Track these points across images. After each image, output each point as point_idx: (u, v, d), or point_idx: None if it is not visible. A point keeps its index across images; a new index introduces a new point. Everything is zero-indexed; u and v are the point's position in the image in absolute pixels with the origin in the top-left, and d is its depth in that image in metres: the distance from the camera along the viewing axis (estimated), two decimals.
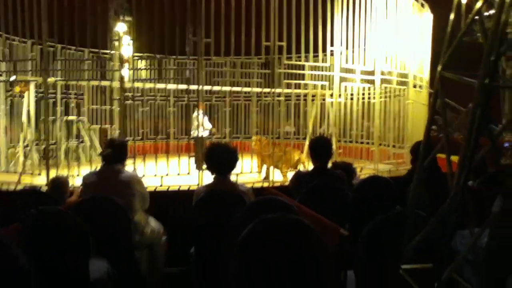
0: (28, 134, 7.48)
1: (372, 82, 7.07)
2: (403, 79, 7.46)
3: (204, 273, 2.99)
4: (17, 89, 7.93)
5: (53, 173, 5.43)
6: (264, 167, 6.42)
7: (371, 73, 6.98)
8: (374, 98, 7.36)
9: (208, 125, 7.86)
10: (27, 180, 5.72)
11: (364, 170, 6.43)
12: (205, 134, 7.61)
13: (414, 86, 7.81)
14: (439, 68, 1.86)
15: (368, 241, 2.17)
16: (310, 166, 4.88)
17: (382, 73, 6.99)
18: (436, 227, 1.78)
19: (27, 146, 7.34)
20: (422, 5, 7.99)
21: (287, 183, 5.31)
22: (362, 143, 8.76)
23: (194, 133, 7.66)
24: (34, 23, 5.52)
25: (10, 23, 5.67)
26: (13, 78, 6.89)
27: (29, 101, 7.61)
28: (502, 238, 1.97)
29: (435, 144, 1.98)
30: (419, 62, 7.93)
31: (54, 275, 2.42)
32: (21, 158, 7.26)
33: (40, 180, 5.60)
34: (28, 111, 7.63)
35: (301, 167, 6.30)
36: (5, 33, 5.98)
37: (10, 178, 5.78)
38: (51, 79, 6.19)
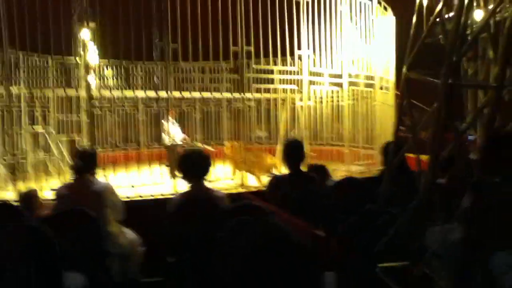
0: None
1: (340, 85, 7.18)
2: (370, 81, 7.61)
3: (182, 281, 2.97)
4: None
5: (21, 187, 5.27)
6: (238, 172, 6.43)
7: (339, 76, 7.10)
8: (342, 100, 7.49)
9: (179, 135, 7.74)
10: None
11: (337, 172, 6.51)
12: (178, 141, 7.53)
13: (381, 88, 7.99)
14: (404, 69, 1.92)
15: (343, 240, 2.21)
16: (283, 170, 4.92)
17: (350, 76, 7.12)
18: (408, 225, 1.83)
19: None
20: (385, 8, 8.19)
21: (263, 188, 5.34)
22: (333, 145, 8.88)
23: (165, 140, 7.56)
24: None
25: None
26: None
27: None
28: (471, 233, 2.05)
29: (404, 144, 2.04)
30: (384, 64, 8.12)
31: None
32: None
33: (9, 195, 5.43)
34: None
35: (274, 171, 6.34)
36: None
37: None
38: (14, 88, 6.02)
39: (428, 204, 1.70)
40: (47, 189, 5.25)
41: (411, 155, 4.29)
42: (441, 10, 1.79)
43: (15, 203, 3.83)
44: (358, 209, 2.30)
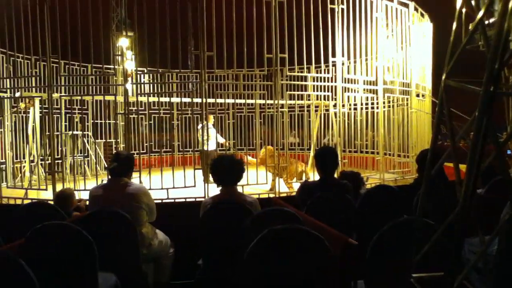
0: (33, 149, 7.53)
1: (375, 92, 7.09)
2: (406, 88, 7.48)
3: (212, 284, 2.98)
4: (22, 105, 8.02)
5: (59, 188, 5.45)
6: (270, 176, 6.42)
7: (374, 83, 7.01)
8: (377, 107, 7.38)
9: (220, 139, 7.87)
10: (33, 195, 5.74)
11: (370, 179, 6.42)
12: (213, 147, 7.61)
13: (417, 95, 7.84)
14: (443, 76, 1.88)
15: (377, 250, 2.17)
16: (315, 177, 4.88)
17: (385, 83, 7.02)
18: (445, 236, 1.78)
19: (32, 161, 7.38)
20: (422, 14, 8.04)
21: (293, 194, 5.32)
22: (367, 152, 8.77)
23: (201, 145, 7.64)
24: (37, 40, 5.58)
25: (13, 40, 5.74)
26: (18, 94, 6.96)
27: (34, 117, 7.68)
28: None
29: (441, 153, 1.98)
30: (421, 71, 7.97)
31: None
32: (27, 173, 7.30)
33: (46, 195, 5.62)
34: (33, 127, 7.69)
35: (304, 178, 6.31)
36: (8, 51, 6.04)
37: (16, 193, 5.81)
38: (55, 95, 6.24)
39: (466, 215, 1.65)
40: (84, 190, 5.41)
41: (449, 164, 4.20)
42: (482, 16, 1.74)
43: (53, 203, 3.97)
44: (391, 217, 2.25)
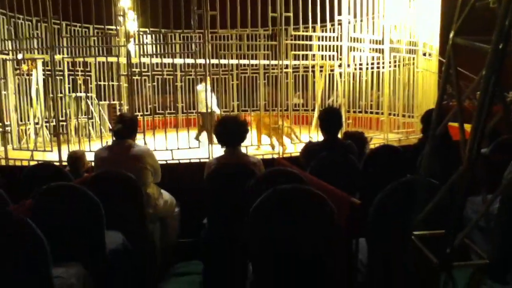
0: (37, 112, 7.54)
1: (381, 51, 6.97)
2: (413, 47, 7.35)
3: (217, 243, 3.04)
4: (24, 67, 7.96)
5: (64, 149, 5.49)
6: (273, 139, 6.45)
7: (380, 42, 6.88)
8: (383, 67, 7.28)
9: (215, 107, 7.79)
10: (39, 157, 5.79)
11: (374, 139, 6.42)
12: (214, 108, 7.59)
13: (424, 54, 7.71)
14: (451, 34, 1.83)
15: (379, 209, 2.19)
16: (319, 138, 4.89)
17: (391, 42, 6.89)
18: (448, 194, 1.78)
19: (37, 123, 7.40)
20: None
21: (295, 154, 5.34)
22: (371, 113, 8.72)
23: (200, 107, 7.67)
24: (38, 1, 5.48)
25: (14, 1, 5.64)
26: (20, 56, 6.90)
27: (37, 79, 7.64)
28: None
29: (447, 113, 1.96)
30: (428, 29, 7.79)
31: (71, 248, 2.48)
32: (32, 135, 7.35)
33: (52, 156, 5.67)
34: (37, 89, 7.67)
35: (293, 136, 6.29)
36: (9, 12, 5.94)
37: (22, 155, 5.86)
38: (57, 57, 6.18)
39: (470, 175, 1.64)
40: (89, 152, 5.45)
41: (454, 124, 4.18)
42: None
43: (58, 164, 4.01)
44: (395, 177, 2.26)
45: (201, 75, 9.30)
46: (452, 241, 1.62)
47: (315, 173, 3.12)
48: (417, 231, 1.90)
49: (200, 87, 7.76)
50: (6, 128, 6.49)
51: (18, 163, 5.60)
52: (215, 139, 3.40)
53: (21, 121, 7.76)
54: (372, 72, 8.05)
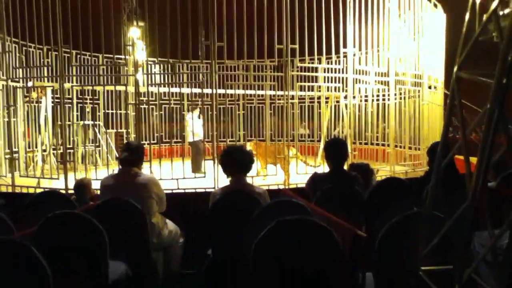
0: (45, 139, 7.61)
1: (386, 83, 7.03)
2: (418, 80, 7.41)
3: (221, 274, 3.01)
4: (34, 95, 8.08)
5: (70, 177, 5.51)
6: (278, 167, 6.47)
7: (385, 74, 6.95)
8: (388, 99, 7.33)
9: (200, 131, 8.14)
10: (46, 184, 5.81)
11: (380, 171, 6.40)
12: (200, 137, 7.95)
13: (429, 87, 7.76)
14: (455, 68, 1.85)
15: (386, 242, 2.17)
16: (325, 169, 4.88)
17: (396, 74, 6.96)
18: (454, 229, 1.77)
19: (44, 150, 7.46)
20: (435, 5, 7.94)
21: (301, 185, 5.32)
22: (377, 144, 8.72)
23: (188, 136, 8.02)
24: (49, 30, 5.62)
25: (26, 30, 5.79)
26: (30, 84, 7.02)
27: (46, 107, 7.75)
28: None
29: (452, 145, 1.97)
30: (433, 62, 7.88)
31: (73, 276, 2.46)
32: (40, 163, 7.39)
33: (58, 184, 5.69)
34: (46, 116, 7.77)
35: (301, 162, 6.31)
36: (21, 40, 6.10)
37: (29, 182, 5.89)
38: (67, 85, 6.28)
39: (476, 208, 1.63)
40: (96, 180, 5.47)
41: (460, 157, 4.17)
42: (496, 6, 1.71)
43: (64, 192, 4.02)
44: (401, 210, 2.24)
45: (208, 104, 9.39)
46: (460, 276, 1.60)
47: (320, 204, 3.10)
48: (424, 265, 1.87)
49: (188, 116, 7.97)
50: (14, 155, 6.54)
51: (24, 190, 5.62)
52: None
53: (28, 148, 7.83)
54: (378, 104, 8.10)
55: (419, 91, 7.56)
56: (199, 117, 8.28)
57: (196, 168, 7.25)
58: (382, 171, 6.58)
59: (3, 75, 6.62)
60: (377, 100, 8.15)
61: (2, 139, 7.21)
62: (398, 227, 2.19)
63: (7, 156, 6.81)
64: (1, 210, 3.04)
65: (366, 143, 8.70)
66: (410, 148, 7.73)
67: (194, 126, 7.02)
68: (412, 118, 7.66)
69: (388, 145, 7.36)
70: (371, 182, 4.15)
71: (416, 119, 7.65)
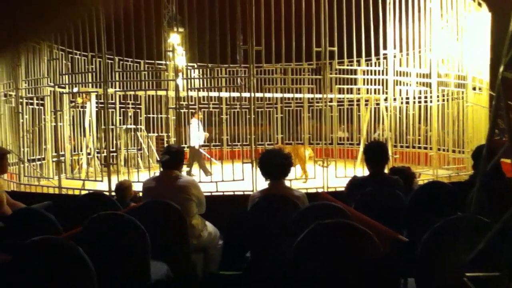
0: (90, 142, 7.89)
1: (428, 85, 6.86)
2: (461, 81, 7.18)
3: (260, 276, 3.01)
4: (79, 100, 8.40)
5: (114, 179, 5.68)
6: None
7: (427, 75, 6.78)
8: (431, 101, 7.14)
9: (201, 135, 8.45)
10: (90, 186, 6.02)
11: (422, 175, 6.24)
12: (200, 143, 8.22)
13: (474, 88, 7.50)
14: (501, 68, 1.79)
15: (428, 248, 2.11)
16: (364, 172, 4.81)
17: (439, 76, 6.77)
18: (500, 234, 1.71)
19: (89, 154, 7.73)
20: (479, 4, 7.67)
21: (340, 188, 5.26)
22: (419, 148, 8.50)
23: (190, 141, 8.28)
24: (93, 38, 5.83)
25: (71, 39, 6.03)
26: (75, 90, 7.30)
27: (90, 111, 8.03)
28: None
29: (498, 148, 1.90)
30: (477, 63, 7.61)
31: (116, 276, 2.53)
32: (84, 165, 7.66)
33: (102, 186, 5.88)
34: (90, 121, 8.05)
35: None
36: (67, 48, 6.36)
37: (74, 184, 6.11)
38: (110, 90, 6.49)
39: None
40: (137, 181, 5.61)
41: (507, 160, 4.00)
42: None
43: (108, 194, 4.15)
44: (444, 215, 2.18)
45: (246, 108, 9.46)
46: (508, 283, 1.54)
47: (360, 208, 3.05)
48: (469, 271, 1.81)
49: (194, 122, 8.29)
50: (61, 158, 6.82)
51: (70, 192, 5.84)
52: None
53: (74, 151, 8.13)
54: (420, 106, 7.90)
55: (463, 92, 7.32)
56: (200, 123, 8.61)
57: (207, 171, 7.57)
58: (425, 175, 6.41)
59: (50, 82, 6.92)
60: (419, 102, 7.95)
61: (50, 142, 7.53)
62: (441, 232, 2.13)
63: (54, 159, 7.10)
64: (49, 211, 3.16)
65: (407, 146, 8.51)
66: (453, 151, 7.49)
67: (197, 132, 7.21)
68: (456, 121, 7.42)
69: (431, 148, 7.16)
70: (413, 186, 4.05)
71: (460, 122, 7.41)
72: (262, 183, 3.61)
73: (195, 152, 8.01)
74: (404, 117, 7.41)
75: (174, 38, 8.01)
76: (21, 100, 6.98)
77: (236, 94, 7.74)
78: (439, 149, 7.20)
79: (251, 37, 5.60)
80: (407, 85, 6.82)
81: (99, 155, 7.45)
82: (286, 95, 8.10)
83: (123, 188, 4.25)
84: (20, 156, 6.92)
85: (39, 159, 7.59)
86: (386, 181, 3.56)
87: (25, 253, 2.06)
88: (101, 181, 5.92)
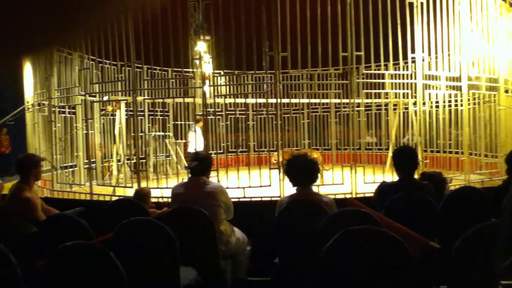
0: (120, 150, 8.05)
1: (458, 88, 6.71)
2: (493, 84, 6.99)
3: (288, 283, 3.00)
4: (109, 108, 8.59)
5: (143, 186, 5.78)
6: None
7: (457, 79, 6.63)
8: (461, 105, 6.98)
9: (200, 144, 8.33)
10: (120, 192, 6.13)
11: (454, 181, 6.09)
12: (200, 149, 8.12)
13: (506, 91, 7.29)
14: None
15: (461, 254, 2.06)
16: (394, 178, 4.73)
17: (469, 79, 6.61)
18: None
19: (119, 160, 7.88)
20: (511, 4, 7.46)
21: (368, 194, 5.19)
22: (450, 152, 8.30)
23: (190, 148, 8.27)
24: (122, 47, 5.96)
25: (102, 48, 6.18)
26: (105, 98, 7.47)
27: (120, 119, 8.20)
28: None
29: None
30: (510, 65, 7.40)
31: (146, 281, 2.57)
32: (115, 172, 7.81)
33: (132, 192, 5.97)
34: (120, 128, 8.22)
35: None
36: (97, 57, 6.53)
37: (105, 190, 6.24)
38: (139, 98, 6.61)
39: None
40: (165, 188, 5.69)
41: None
42: None
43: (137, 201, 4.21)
44: (477, 221, 2.13)
45: (272, 114, 9.47)
46: None
47: (389, 215, 3.01)
48: (504, 279, 1.76)
49: (197, 130, 8.31)
50: (92, 165, 6.97)
51: (101, 198, 5.97)
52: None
53: (104, 158, 8.31)
54: (450, 110, 7.73)
55: (495, 95, 7.13)
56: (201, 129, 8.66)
57: None
58: (456, 180, 6.26)
59: (82, 91, 7.10)
60: (449, 106, 7.78)
61: (81, 150, 7.72)
62: (474, 239, 2.08)
63: (86, 166, 7.27)
64: (81, 217, 3.25)
65: (438, 151, 8.32)
66: (486, 156, 7.29)
67: (198, 139, 7.27)
68: (488, 124, 7.23)
69: (462, 153, 6.99)
70: (445, 192, 3.96)
71: (492, 125, 7.21)
72: (290, 189, 3.61)
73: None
74: (434, 121, 7.24)
75: (201, 46, 8.10)
76: (53, 109, 7.19)
77: (262, 100, 7.76)
78: (470, 154, 7.02)
79: (277, 43, 5.61)
80: (436, 88, 6.69)
81: (128, 162, 7.60)
82: (313, 100, 8.09)
83: (142, 195, 4.30)
84: (53, 163, 7.12)
85: (71, 166, 7.78)
86: (416, 187, 3.50)
87: (58, 257, 2.12)
88: (131, 187, 6.02)
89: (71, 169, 7.83)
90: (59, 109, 7.41)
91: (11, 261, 2.05)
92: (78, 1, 0.86)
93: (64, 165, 7.49)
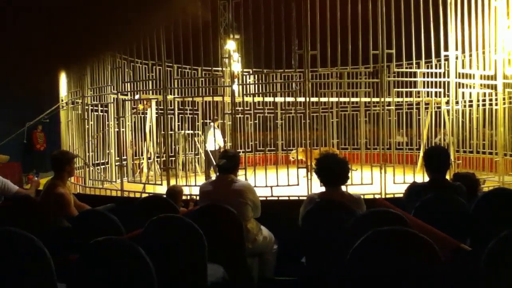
0: (150, 147, 8.19)
1: (493, 87, 6.51)
2: None
3: (315, 283, 2.99)
4: (140, 106, 8.75)
5: (172, 183, 5.86)
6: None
7: (492, 77, 6.44)
8: (496, 104, 6.78)
9: (220, 140, 8.70)
10: (150, 189, 6.24)
11: (487, 182, 5.93)
12: (214, 147, 8.32)
13: None
14: None
15: (494, 258, 2.00)
16: (425, 179, 4.64)
17: (505, 77, 6.41)
18: None
19: (149, 158, 8.03)
20: None
21: (398, 195, 5.11)
22: (484, 153, 8.07)
23: (207, 145, 8.45)
24: (154, 46, 6.06)
25: (134, 47, 6.30)
26: (137, 97, 7.62)
27: (151, 117, 8.34)
28: None
29: None
30: None
31: (174, 276, 2.61)
32: (145, 169, 7.96)
33: (162, 189, 6.07)
34: (150, 126, 8.37)
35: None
36: (129, 57, 6.66)
37: (135, 187, 6.37)
38: (169, 97, 6.71)
39: None
40: (194, 185, 5.76)
41: None
42: None
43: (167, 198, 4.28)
44: (511, 224, 2.06)
45: (301, 113, 9.43)
46: None
47: (419, 215, 2.96)
48: None
49: (214, 128, 8.42)
50: (123, 162, 7.12)
51: (132, 195, 6.09)
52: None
53: (135, 156, 8.47)
54: (484, 109, 7.51)
55: None
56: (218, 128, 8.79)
57: (208, 174, 7.87)
58: (490, 182, 6.09)
59: (114, 89, 7.26)
60: (483, 105, 7.57)
61: (113, 147, 7.89)
62: (508, 242, 2.02)
63: (117, 163, 7.43)
64: (112, 213, 3.32)
65: (471, 152, 8.11)
66: None
67: (216, 136, 7.65)
68: None
69: (496, 154, 6.79)
70: (477, 193, 3.86)
71: None
72: (317, 188, 3.59)
73: (213, 154, 8.12)
74: (467, 121, 7.06)
75: (230, 45, 8.16)
76: (86, 107, 7.38)
77: (291, 99, 7.74)
78: (505, 154, 6.81)
79: (306, 41, 5.59)
80: (470, 87, 6.52)
81: (158, 159, 7.72)
82: (342, 99, 8.01)
83: (175, 192, 4.36)
84: (86, 160, 7.30)
85: (103, 163, 7.97)
86: (448, 188, 3.42)
87: (90, 252, 2.18)
88: (161, 184, 6.12)
89: (103, 166, 8.02)
90: (92, 107, 7.59)
91: (45, 255, 2.11)
92: (136, 10, 0.88)
93: (96, 162, 7.68)
